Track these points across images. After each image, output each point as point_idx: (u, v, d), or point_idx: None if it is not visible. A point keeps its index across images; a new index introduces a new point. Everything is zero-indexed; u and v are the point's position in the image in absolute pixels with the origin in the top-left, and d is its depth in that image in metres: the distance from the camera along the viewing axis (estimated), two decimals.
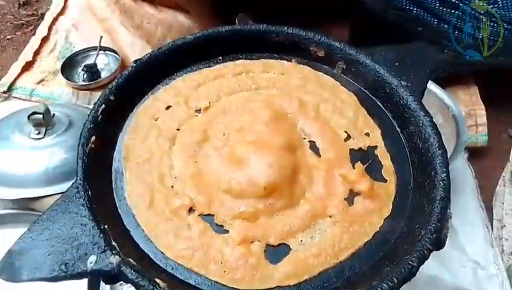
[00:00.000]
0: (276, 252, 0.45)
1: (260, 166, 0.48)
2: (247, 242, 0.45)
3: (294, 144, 0.52)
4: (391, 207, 0.48)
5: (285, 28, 0.61)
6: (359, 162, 0.51)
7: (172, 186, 0.49)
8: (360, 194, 0.48)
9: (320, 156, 0.52)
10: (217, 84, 0.58)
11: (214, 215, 0.47)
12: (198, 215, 0.47)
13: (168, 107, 0.56)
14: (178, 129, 0.54)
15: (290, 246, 0.45)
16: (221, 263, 0.44)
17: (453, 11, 0.81)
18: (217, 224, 0.46)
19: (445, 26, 0.82)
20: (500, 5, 0.80)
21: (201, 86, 0.58)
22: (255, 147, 0.50)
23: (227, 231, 0.46)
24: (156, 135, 0.53)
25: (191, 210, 0.47)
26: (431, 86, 0.82)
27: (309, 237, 0.46)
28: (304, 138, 0.53)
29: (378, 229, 0.47)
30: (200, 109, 0.56)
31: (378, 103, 0.57)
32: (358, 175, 0.49)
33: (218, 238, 0.45)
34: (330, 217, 0.47)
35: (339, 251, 0.45)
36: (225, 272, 0.43)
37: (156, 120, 0.54)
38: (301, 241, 0.46)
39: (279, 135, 0.51)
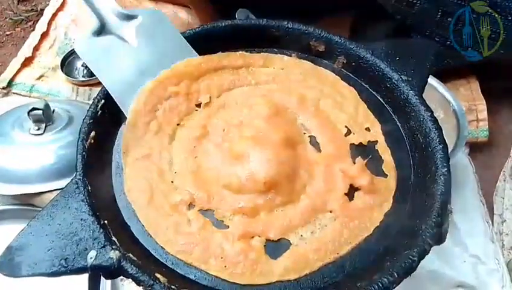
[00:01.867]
0: (277, 247, 0.45)
1: (260, 161, 0.48)
2: (247, 237, 0.45)
3: (295, 139, 0.52)
4: (391, 202, 0.48)
5: (285, 23, 0.61)
6: (359, 157, 0.51)
7: (172, 182, 0.49)
8: (361, 189, 0.48)
9: (320, 151, 0.52)
10: (217, 77, 0.57)
11: (213, 211, 0.47)
12: (198, 210, 0.47)
13: (168, 98, 0.55)
14: (178, 124, 0.54)
15: (290, 241, 0.45)
16: (222, 258, 0.44)
17: (453, 12, 0.82)
18: (216, 219, 0.47)
19: (449, 19, 0.81)
20: (500, 5, 0.80)
21: (202, 78, 0.57)
22: (254, 143, 0.50)
23: (227, 226, 0.46)
24: (156, 130, 0.52)
25: (190, 205, 0.47)
26: (432, 81, 0.82)
27: (309, 232, 0.46)
28: (304, 133, 0.53)
29: (378, 224, 0.47)
30: (200, 104, 0.55)
31: (379, 97, 0.57)
32: (358, 170, 0.49)
33: (218, 234, 0.45)
34: (330, 212, 0.47)
35: (339, 246, 0.45)
36: (225, 267, 0.43)
37: (156, 111, 0.54)
38: (301, 236, 0.46)
39: (278, 130, 0.51)
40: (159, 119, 0.53)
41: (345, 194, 0.48)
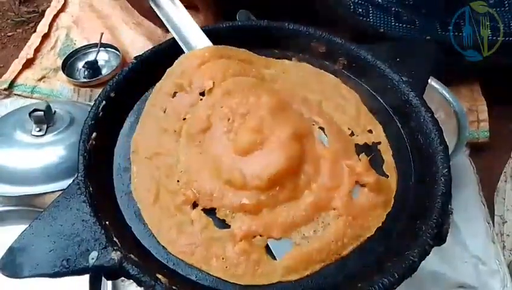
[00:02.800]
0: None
1: (265, 157, 0.47)
2: (249, 237, 0.44)
3: (302, 132, 0.50)
4: (392, 202, 0.48)
5: (286, 24, 0.61)
6: (363, 153, 0.50)
7: (178, 181, 0.48)
8: (366, 187, 0.47)
9: (327, 145, 0.50)
10: (222, 63, 0.56)
11: (216, 209, 0.46)
12: (202, 209, 0.46)
13: (174, 94, 0.54)
14: (184, 119, 0.52)
15: (293, 241, 0.45)
16: (223, 259, 0.43)
17: (451, 12, 0.82)
18: (218, 218, 0.46)
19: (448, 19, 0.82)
20: (500, 5, 0.80)
21: (206, 64, 0.55)
22: (260, 136, 0.48)
23: (229, 226, 0.45)
24: (165, 128, 0.52)
25: (194, 205, 0.47)
26: (432, 81, 0.82)
27: (312, 231, 0.45)
28: (313, 125, 0.52)
29: (380, 224, 0.46)
30: (204, 92, 0.54)
31: (379, 98, 0.57)
32: (365, 167, 0.48)
33: (220, 234, 0.45)
34: (334, 209, 0.46)
35: (342, 246, 0.44)
36: (226, 267, 0.43)
37: (164, 112, 0.53)
38: (304, 235, 0.45)
39: (286, 124, 0.50)
40: (167, 118, 0.53)
41: (350, 191, 0.47)
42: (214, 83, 0.53)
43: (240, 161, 0.47)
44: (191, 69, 0.55)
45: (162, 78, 0.56)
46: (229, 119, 0.51)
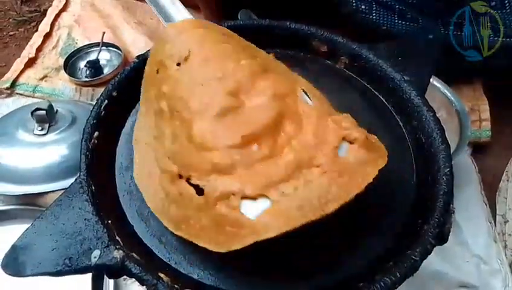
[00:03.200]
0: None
1: (240, 119, 0.43)
2: (223, 199, 0.40)
3: (284, 92, 0.46)
4: (387, 159, 0.42)
5: (288, 23, 0.61)
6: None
7: (168, 158, 0.45)
8: (354, 143, 0.42)
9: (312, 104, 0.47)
10: (201, 31, 0.51)
11: (191, 176, 0.42)
12: (186, 180, 0.42)
13: (157, 72, 0.50)
14: (165, 93, 0.48)
15: (270, 198, 0.39)
16: (203, 227, 0.40)
17: (453, 11, 0.82)
18: (195, 185, 0.41)
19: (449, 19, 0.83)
20: (501, 7, 0.81)
21: (184, 34, 0.51)
22: (237, 100, 0.44)
23: (203, 191, 0.41)
24: (154, 108, 0.49)
25: (179, 177, 0.43)
26: (434, 81, 0.82)
27: (292, 188, 0.39)
28: (297, 85, 0.48)
29: (371, 180, 0.40)
30: (180, 63, 0.49)
31: (381, 97, 0.57)
32: (353, 122, 0.43)
33: (196, 201, 0.41)
34: (317, 167, 0.40)
35: (325, 203, 0.38)
36: (208, 236, 0.39)
37: (153, 93, 0.50)
38: (283, 192, 0.39)
39: (265, 86, 0.45)
40: (154, 98, 0.49)
41: (336, 147, 0.41)
42: (189, 51, 0.49)
43: (215, 124, 0.43)
44: (168, 41, 0.51)
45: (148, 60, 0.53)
46: (202, 84, 0.46)
